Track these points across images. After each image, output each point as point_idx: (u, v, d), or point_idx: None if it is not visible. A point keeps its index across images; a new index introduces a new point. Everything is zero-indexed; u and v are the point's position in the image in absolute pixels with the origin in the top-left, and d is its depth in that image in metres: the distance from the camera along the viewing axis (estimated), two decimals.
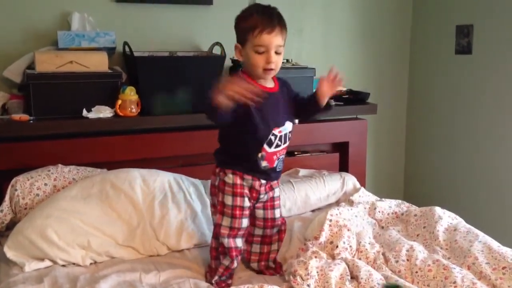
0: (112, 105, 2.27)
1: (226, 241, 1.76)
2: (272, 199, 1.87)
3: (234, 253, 1.77)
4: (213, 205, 1.85)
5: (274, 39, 1.67)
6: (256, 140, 1.74)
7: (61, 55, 2.21)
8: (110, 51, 2.39)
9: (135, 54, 2.33)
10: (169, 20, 2.59)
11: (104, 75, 2.28)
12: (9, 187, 2.03)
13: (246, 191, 1.78)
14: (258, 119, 1.71)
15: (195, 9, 2.61)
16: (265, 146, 1.75)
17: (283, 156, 1.83)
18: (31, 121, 2.15)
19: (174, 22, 2.60)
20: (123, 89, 2.28)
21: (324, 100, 1.81)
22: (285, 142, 1.81)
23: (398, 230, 2.11)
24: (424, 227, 2.06)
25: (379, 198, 2.44)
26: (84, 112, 2.22)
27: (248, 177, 1.77)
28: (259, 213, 1.86)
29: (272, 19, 1.68)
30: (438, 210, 2.11)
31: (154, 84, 2.33)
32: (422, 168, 3.27)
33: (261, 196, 1.82)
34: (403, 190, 3.40)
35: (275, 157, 1.79)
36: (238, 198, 1.77)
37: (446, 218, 2.06)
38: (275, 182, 1.87)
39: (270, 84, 1.79)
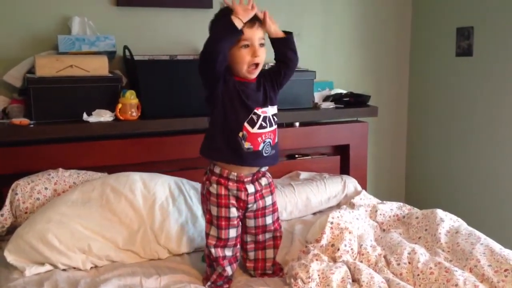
0: (112, 109, 2.27)
1: (213, 251, 1.77)
2: (264, 208, 1.84)
3: (222, 262, 1.77)
4: (203, 213, 1.86)
5: (256, 32, 1.72)
6: (237, 118, 1.73)
7: (61, 59, 2.21)
8: (110, 55, 2.40)
9: (135, 58, 2.33)
10: (169, 24, 2.59)
11: (104, 79, 2.27)
12: (10, 191, 2.03)
13: (232, 201, 1.77)
14: (239, 98, 1.72)
15: (195, 12, 2.61)
16: (247, 125, 1.73)
17: (270, 140, 1.78)
18: (32, 125, 2.15)
19: (174, 26, 2.60)
20: (123, 93, 2.28)
21: (273, 32, 1.80)
22: (271, 125, 1.78)
23: (399, 233, 2.10)
24: (426, 230, 2.06)
25: (380, 201, 2.43)
26: (85, 116, 2.22)
27: (233, 187, 1.76)
28: (250, 222, 1.85)
29: None
30: (439, 212, 2.10)
31: (155, 88, 2.33)
32: (423, 170, 3.26)
33: (250, 205, 1.81)
34: (404, 193, 3.39)
35: (259, 139, 1.75)
36: (223, 209, 1.76)
37: (447, 221, 2.05)
38: (267, 190, 1.85)
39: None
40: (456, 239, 1.91)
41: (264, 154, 1.77)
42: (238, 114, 1.73)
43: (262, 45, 1.74)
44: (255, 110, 1.75)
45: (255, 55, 1.71)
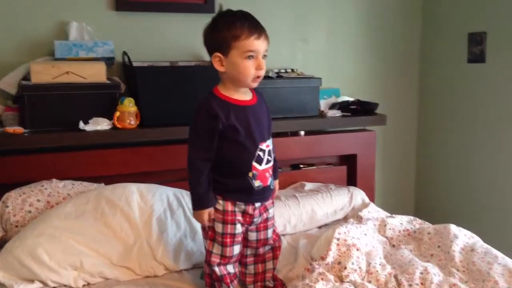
0: (110, 117, 2.19)
1: (217, 270, 1.68)
2: (266, 220, 1.77)
3: (228, 280, 1.69)
4: (203, 229, 1.75)
5: (262, 44, 1.62)
6: (244, 159, 1.66)
7: (57, 66, 2.14)
8: (109, 61, 2.32)
9: (135, 64, 2.26)
10: (170, 29, 2.52)
11: (102, 86, 2.20)
12: (0, 203, 1.95)
13: (239, 217, 1.69)
14: (243, 135, 1.64)
15: (196, 17, 2.52)
16: (255, 164, 1.66)
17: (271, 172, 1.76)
18: (26, 134, 2.07)
19: (175, 31, 2.53)
20: (122, 100, 2.20)
21: None
22: (273, 158, 1.74)
23: (410, 250, 1.99)
24: (439, 247, 1.95)
25: (389, 214, 2.33)
26: (81, 125, 2.14)
27: (241, 203, 1.68)
28: (252, 235, 1.77)
29: (257, 24, 1.63)
30: (453, 228, 1.99)
31: (154, 95, 2.25)
32: (434, 181, 3.15)
33: (255, 219, 1.73)
34: (414, 205, 3.28)
35: (267, 174, 1.70)
36: (229, 226, 1.67)
37: (462, 237, 1.94)
38: (270, 202, 1.78)
39: (247, 96, 1.71)
40: (472, 258, 1.80)
41: (271, 187, 1.75)
42: (245, 154, 1.66)
43: (265, 56, 1.65)
44: (260, 146, 1.68)
45: (260, 68, 1.62)
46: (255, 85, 1.67)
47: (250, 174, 1.66)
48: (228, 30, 1.60)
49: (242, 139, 1.64)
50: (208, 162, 1.64)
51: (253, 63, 1.61)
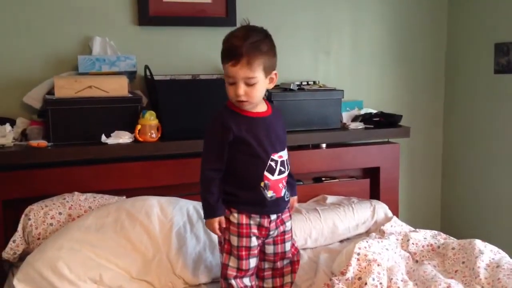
0: (131, 130, 2.21)
1: (234, 283, 1.67)
2: (283, 233, 1.76)
3: None
4: (219, 243, 1.75)
5: (240, 72, 1.55)
6: (255, 169, 1.65)
7: (80, 80, 2.18)
8: (131, 75, 2.36)
9: (157, 77, 2.28)
10: (191, 43, 2.54)
11: (124, 100, 2.23)
12: (23, 216, 1.98)
13: (254, 230, 1.68)
14: (254, 146, 1.64)
15: (218, 31, 2.51)
16: (267, 174, 1.65)
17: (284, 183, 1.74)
18: (49, 147, 2.11)
19: (197, 44, 2.55)
20: (143, 113, 2.23)
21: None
22: (287, 169, 1.72)
23: (434, 265, 1.94)
24: (463, 263, 1.89)
25: (413, 229, 2.28)
26: (103, 138, 2.17)
27: (256, 215, 1.67)
28: (269, 248, 1.76)
29: (237, 50, 1.54)
30: (478, 243, 1.93)
31: (175, 108, 2.26)
32: (460, 195, 3.07)
33: (271, 232, 1.72)
34: (440, 220, 3.20)
35: (281, 185, 1.69)
36: (244, 239, 1.67)
37: (487, 253, 1.87)
38: (287, 215, 1.77)
39: (260, 108, 1.70)
40: (497, 275, 1.74)
41: (286, 199, 1.73)
42: (256, 164, 1.65)
43: (250, 85, 1.57)
44: (272, 156, 1.67)
45: (236, 94, 1.58)
46: (243, 107, 1.64)
47: (262, 184, 1.65)
48: (221, 49, 1.61)
49: (253, 150, 1.64)
50: (218, 172, 1.65)
51: (233, 88, 1.59)
